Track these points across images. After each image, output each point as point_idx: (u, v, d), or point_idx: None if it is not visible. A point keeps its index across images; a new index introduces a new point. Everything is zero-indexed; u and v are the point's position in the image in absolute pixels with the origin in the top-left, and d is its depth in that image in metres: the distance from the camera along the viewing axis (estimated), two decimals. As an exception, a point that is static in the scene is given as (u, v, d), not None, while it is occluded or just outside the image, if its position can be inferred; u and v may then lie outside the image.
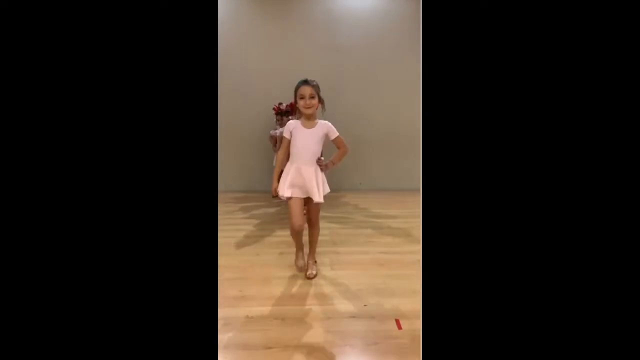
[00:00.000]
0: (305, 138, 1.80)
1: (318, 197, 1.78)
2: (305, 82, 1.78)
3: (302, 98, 1.78)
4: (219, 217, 2.53)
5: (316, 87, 1.79)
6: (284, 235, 2.59)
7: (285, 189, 1.79)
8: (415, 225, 2.80)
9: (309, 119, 1.83)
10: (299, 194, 1.81)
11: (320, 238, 2.04)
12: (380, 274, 1.95)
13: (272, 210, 3.31)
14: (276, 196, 1.85)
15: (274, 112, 3.69)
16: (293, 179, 1.80)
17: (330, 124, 1.86)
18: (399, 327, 1.42)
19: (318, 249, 2.07)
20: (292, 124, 1.84)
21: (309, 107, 1.78)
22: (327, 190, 1.88)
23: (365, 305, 1.60)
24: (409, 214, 3.18)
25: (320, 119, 1.87)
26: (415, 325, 1.43)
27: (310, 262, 1.96)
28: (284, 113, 3.53)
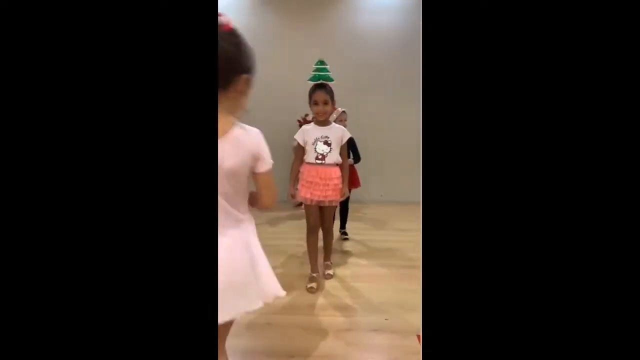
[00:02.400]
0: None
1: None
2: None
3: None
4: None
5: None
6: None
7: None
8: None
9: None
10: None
11: (343, 250, 2.05)
12: (402, 288, 1.93)
13: (294, 219, 3.35)
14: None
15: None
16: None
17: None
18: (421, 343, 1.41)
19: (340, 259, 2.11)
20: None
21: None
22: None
23: (386, 319, 1.59)
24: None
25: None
26: (437, 342, 1.41)
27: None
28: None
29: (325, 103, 1.78)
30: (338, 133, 1.87)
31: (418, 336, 1.45)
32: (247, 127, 0.82)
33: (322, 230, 2.00)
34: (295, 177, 1.94)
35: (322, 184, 1.83)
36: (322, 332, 1.48)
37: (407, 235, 2.92)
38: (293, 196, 1.91)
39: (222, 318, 0.71)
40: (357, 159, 2.76)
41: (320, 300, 1.77)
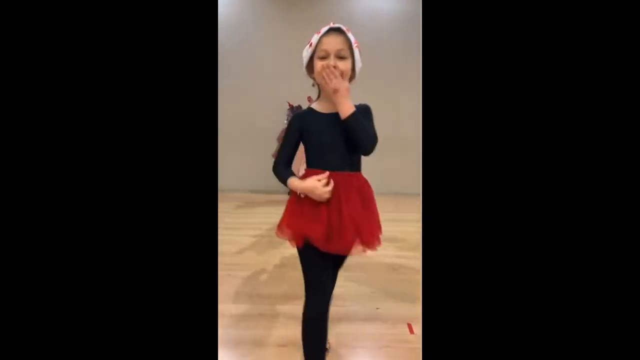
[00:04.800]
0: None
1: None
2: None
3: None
4: (235, 215, 2.54)
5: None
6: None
7: None
8: (430, 230, 2.78)
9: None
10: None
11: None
12: (393, 278, 1.95)
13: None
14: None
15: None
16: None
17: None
18: (411, 332, 1.43)
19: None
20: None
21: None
22: None
23: (377, 309, 1.60)
24: (424, 219, 3.16)
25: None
26: (427, 330, 1.43)
27: None
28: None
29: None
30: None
31: (409, 324, 1.47)
32: None
33: None
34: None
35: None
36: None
37: (398, 225, 2.93)
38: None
39: None
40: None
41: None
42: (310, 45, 0.96)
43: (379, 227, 1.05)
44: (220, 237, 2.40)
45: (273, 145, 3.90)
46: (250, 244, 2.43)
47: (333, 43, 0.93)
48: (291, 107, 3.46)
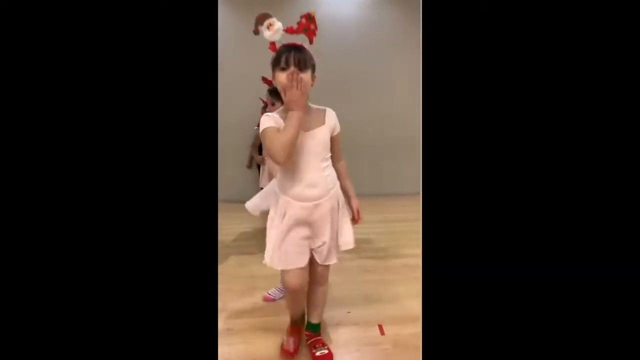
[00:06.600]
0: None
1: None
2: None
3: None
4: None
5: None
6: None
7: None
8: (401, 229, 2.81)
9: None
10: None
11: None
12: (365, 279, 1.94)
13: (256, 221, 3.28)
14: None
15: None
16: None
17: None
18: (382, 333, 1.42)
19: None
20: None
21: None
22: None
23: (349, 312, 1.59)
24: (396, 218, 3.19)
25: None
26: (397, 330, 1.43)
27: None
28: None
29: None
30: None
31: (379, 326, 1.46)
32: None
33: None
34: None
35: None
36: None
37: (370, 227, 2.94)
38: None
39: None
40: None
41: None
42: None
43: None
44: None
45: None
46: (218, 256, 2.37)
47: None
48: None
